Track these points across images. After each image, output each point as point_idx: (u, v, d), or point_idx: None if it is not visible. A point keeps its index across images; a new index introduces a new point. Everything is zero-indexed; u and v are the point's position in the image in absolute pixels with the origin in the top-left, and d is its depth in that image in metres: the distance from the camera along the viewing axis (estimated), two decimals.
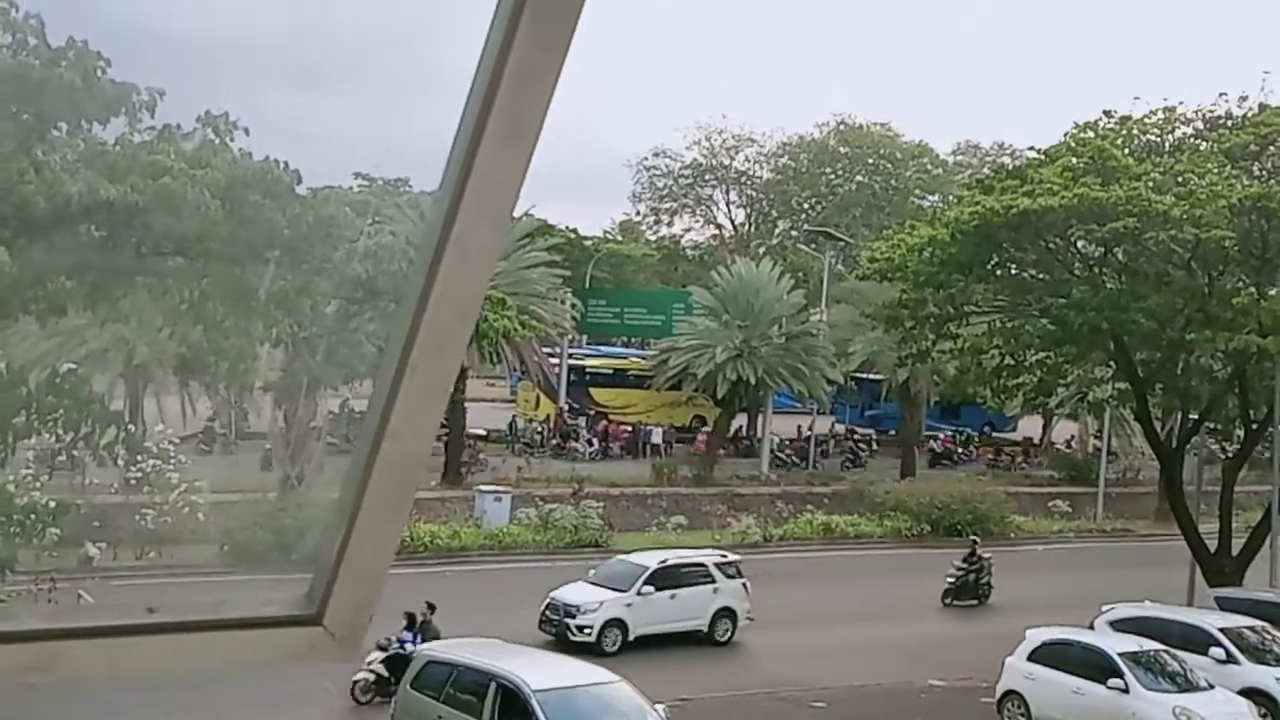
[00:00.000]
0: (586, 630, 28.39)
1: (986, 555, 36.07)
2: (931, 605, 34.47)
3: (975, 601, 35.19)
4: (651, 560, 30.32)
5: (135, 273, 20.07)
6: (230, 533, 30.46)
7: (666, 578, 29.83)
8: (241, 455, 35.64)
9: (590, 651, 26.55)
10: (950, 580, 35.21)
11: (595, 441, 52.43)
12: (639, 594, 29.06)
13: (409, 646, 24.20)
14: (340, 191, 34.03)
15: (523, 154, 1.62)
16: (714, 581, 30.23)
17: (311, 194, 22.98)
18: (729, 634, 30.13)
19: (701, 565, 30.75)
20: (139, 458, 26.89)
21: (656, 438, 53.34)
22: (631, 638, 28.69)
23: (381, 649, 24.23)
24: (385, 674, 23.94)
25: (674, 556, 31.16)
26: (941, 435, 60.07)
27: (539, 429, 53.64)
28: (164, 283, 20.44)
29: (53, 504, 21.71)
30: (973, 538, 37.53)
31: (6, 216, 18.12)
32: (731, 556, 31.91)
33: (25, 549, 21.69)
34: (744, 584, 30.50)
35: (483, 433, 49.51)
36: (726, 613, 30.14)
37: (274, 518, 30.79)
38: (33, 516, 20.08)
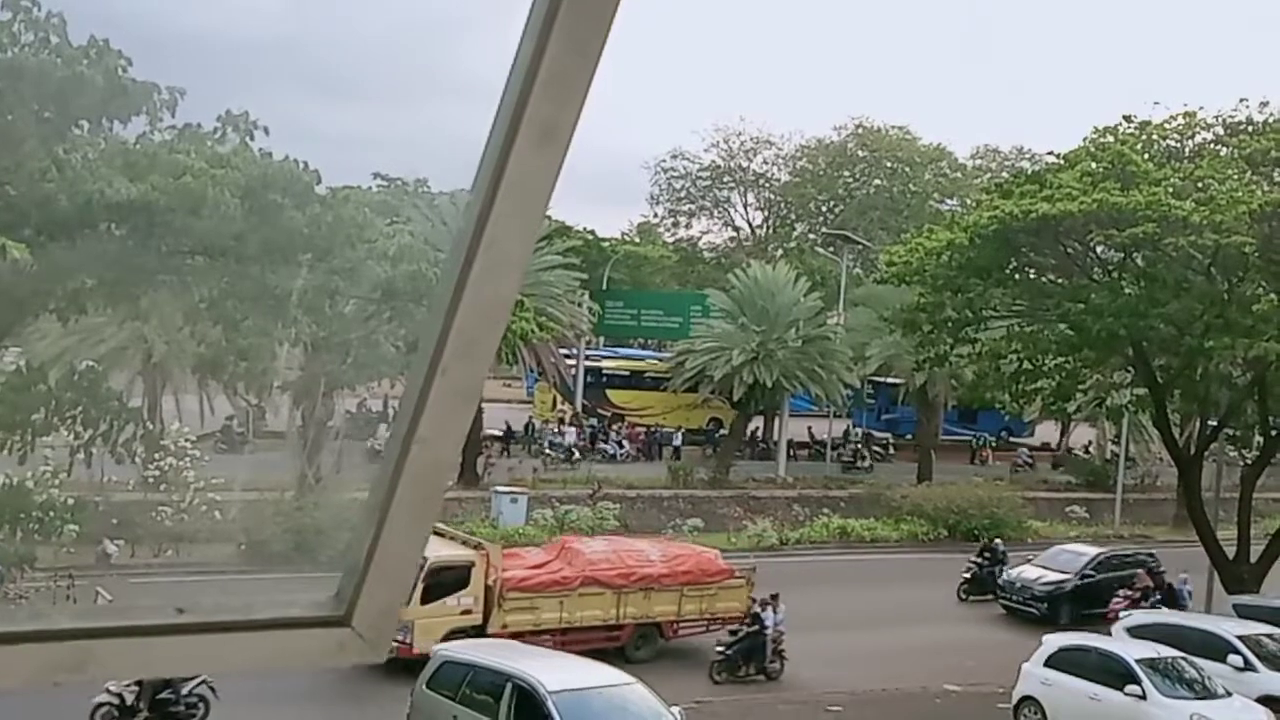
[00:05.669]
0: None
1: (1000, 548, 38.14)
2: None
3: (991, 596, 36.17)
4: None
5: (155, 271, 20.17)
6: (249, 531, 30.55)
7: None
8: (260, 454, 35.69)
9: None
10: (966, 575, 36.87)
11: (624, 444, 52.35)
12: None
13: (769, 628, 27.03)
14: (360, 192, 34.20)
15: (555, 159, 1.62)
16: None
17: (331, 194, 23.08)
18: None
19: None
20: (156, 455, 27.01)
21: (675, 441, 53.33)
22: None
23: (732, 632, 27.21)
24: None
25: None
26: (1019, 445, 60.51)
27: (557, 430, 53.42)
28: (184, 281, 20.53)
29: (71, 500, 21.84)
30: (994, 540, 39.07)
31: (28, 215, 18.22)
32: None
33: (44, 546, 21.80)
34: None
35: (499, 433, 49.52)
36: None
37: (290, 517, 30.87)
38: (51, 513, 20.17)
